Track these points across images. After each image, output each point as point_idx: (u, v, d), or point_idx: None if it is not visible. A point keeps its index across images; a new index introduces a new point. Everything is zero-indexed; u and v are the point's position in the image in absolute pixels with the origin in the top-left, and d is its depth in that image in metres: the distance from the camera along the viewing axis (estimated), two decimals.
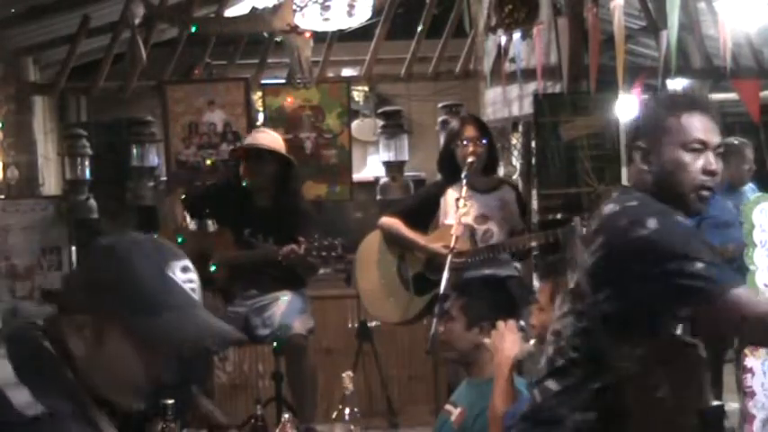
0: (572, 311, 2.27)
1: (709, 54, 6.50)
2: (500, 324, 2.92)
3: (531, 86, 6.09)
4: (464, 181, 4.43)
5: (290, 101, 6.59)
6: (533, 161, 6.18)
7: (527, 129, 6.34)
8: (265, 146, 4.75)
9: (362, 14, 6.31)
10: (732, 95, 5.70)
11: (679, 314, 2.22)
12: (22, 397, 1.45)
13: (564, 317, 2.29)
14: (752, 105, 5.36)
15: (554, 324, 2.34)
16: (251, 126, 6.27)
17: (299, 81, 6.37)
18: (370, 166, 8.50)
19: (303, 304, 4.77)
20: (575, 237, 4.11)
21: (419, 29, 6.68)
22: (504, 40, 5.90)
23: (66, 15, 6.33)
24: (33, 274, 5.75)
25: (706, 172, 2.26)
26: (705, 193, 2.27)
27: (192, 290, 1.57)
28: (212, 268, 4.59)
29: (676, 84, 6.18)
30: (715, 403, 2.38)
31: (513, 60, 6.00)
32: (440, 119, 7.85)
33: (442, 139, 6.14)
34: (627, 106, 5.77)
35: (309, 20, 6.10)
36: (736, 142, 5.41)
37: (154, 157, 7.83)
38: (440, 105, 7.87)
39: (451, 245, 4.28)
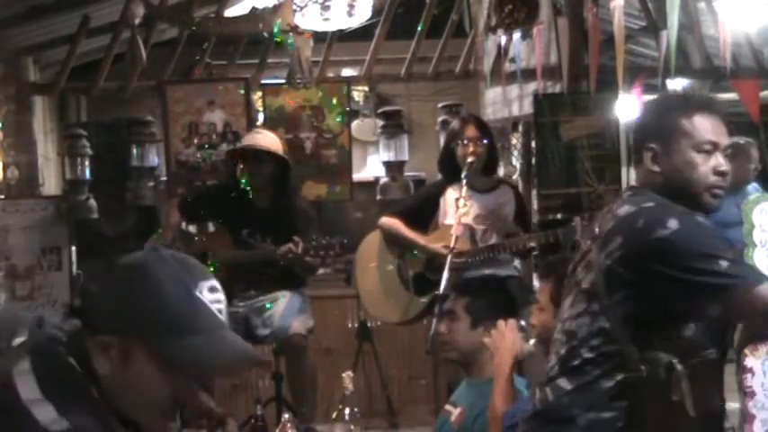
0: (587, 312, 2.27)
1: (710, 54, 6.50)
2: (500, 323, 2.92)
3: (531, 86, 6.09)
4: (464, 181, 4.43)
5: (290, 101, 6.59)
6: (533, 161, 6.18)
7: (527, 129, 6.34)
8: (262, 147, 4.76)
9: (362, 14, 6.30)
10: (732, 95, 5.70)
11: (702, 314, 2.22)
12: (46, 413, 1.43)
13: (578, 317, 2.29)
14: (752, 105, 5.36)
15: (565, 324, 2.34)
16: (251, 126, 6.27)
17: (299, 81, 6.37)
18: (370, 166, 8.50)
19: (302, 304, 4.77)
20: (577, 237, 4.11)
21: (419, 29, 6.68)
22: (504, 40, 5.89)
23: (66, 15, 6.33)
24: (33, 274, 5.75)
25: (717, 173, 2.28)
26: (718, 191, 2.29)
27: (219, 311, 1.54)
28: (211, 269, 4.60)
29: (676, 84, 6.19)
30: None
31: (513, 60, 6.00)
32: (440, 119, 7.85)
33: (442, 139, 6.14)
34: (627, 106, 5.77)
35: (309, 20, 6.10)
36: (741, 142, 5.42)
37: (154, 157, 7.83)
38: (440, 105, 7.88)
39: (451, 245, 4.28)
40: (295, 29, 6.07)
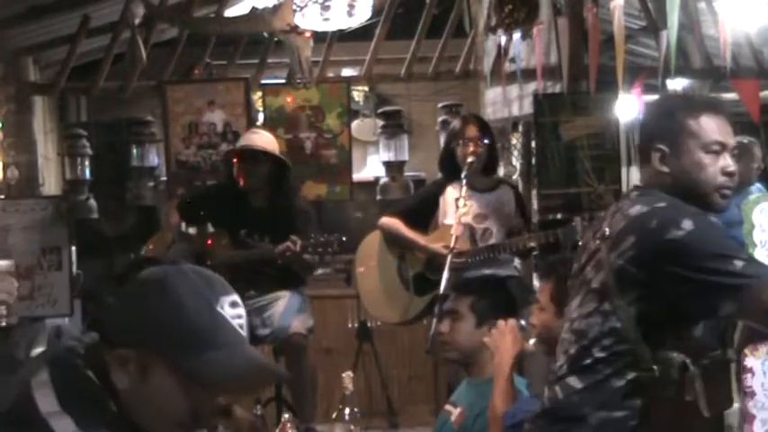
0: (598, 311, 2.27)
1: (710, 54, 6.50)
2: (500, 323, 2.92)
3: (531, 86, 6.09)
4: (464, 181, 4.43)
5: (289, 101, 6.59)
6: (533, 161, 6.18)
7: (527, 129, 6.34)
8: (259, 147, 4.77)
9: (362, 14, 6.30)
10: (732, 95, 5.70)
11: (715, 314, 2.23)
12: (65, 426, 1.42)
13: (588, 316, 2.29)
14: (752, 105, 5.35)
15: (574, 323, 2.34)
16: (251, 126, 6.27)
17: (299, 81, 6.37)
18: (370, 166, 8.49)
19: (302, 303, 4.78)
20: (577, 237, 4.11)
21: (419, 29, 6.68)
22: (504, 40, 5.89)
23: (66, 15, 6.33)
24: (33, 274, 5.74)
25: (725, 173, 2.30)
26: (726, 192, 2.31)
27: (240, 326, 1.54)
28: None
29: (676, 84, 6.18)
30: None
31: (513, 60, 6.00)
32: (440, 119, 7.85)
33: (442, 139, 6.14)
34: (627, 106, 5.77)
35: (309, 20, 6.10)
36: (745, 141, 5.43)
37: (154, 157, 7.83)
38: (440, 105, 7.87)
39: (451, 245, 4.28)
40: (295, 29, 6.07)
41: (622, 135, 6.05)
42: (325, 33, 6.51)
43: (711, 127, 2.30)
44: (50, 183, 7.28)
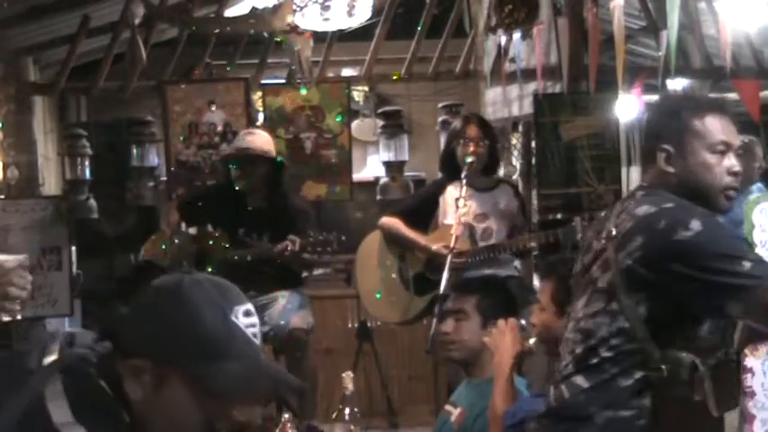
0: (605, 311, 2.27)
1: (710, 54, 6.50)
2: (501, 323, 2.92)
3: (531, 86, 6.09)
4: (464, 181, 4.43)
5: (289, 101, 6.58)
6: (533, 161, 6.18)
7: (527, 129, 6.34)
8: (255, 148, 4.78)
9: (362, 14, 6.30)
10: (732, 95, 5.70)
11: (722, 314, 2.24)
12: None
13: (594, 316, 2.30)
14: (752, 105, 5.35)
15: (580, 323, 2.34)
16: (251, 126, 6.27)
17: (299, 81, 6.37)
18: (370, 166, 8.49)
19: (302, 301, 4.78)
20: (577, 237, 4.11)
21: (419, 29, 6.68)
22: (504, 40, 5.89)
23: (66, 15, 6.33)
24: (33, 274, 5.68)
25: (731, 173, 2.31)
26: (732, 193, 2.32)
27: (254, 335, 1.52)
28: (209, 269, 4.60)
29: (676, 84, 6.18)
30: None
31: (513, 60, 5.99)
32: (440, 119, 7.84)
33: (442, 139, 6.14)
34: (627, 106, 5.77)
35: (309, 20, 6.10)
36: (746, 140, 5.43)
37: (154, 157, 7.82)
38: (440, 105, 7.87)
39: (451, 245, 4.28)
40: (295, 29, 6.07)
41: (622, 135, 6.04)
42: (325, 33, 6.51)
43: (717, 127, 2.31)
44: (50, 183, 7.28)
